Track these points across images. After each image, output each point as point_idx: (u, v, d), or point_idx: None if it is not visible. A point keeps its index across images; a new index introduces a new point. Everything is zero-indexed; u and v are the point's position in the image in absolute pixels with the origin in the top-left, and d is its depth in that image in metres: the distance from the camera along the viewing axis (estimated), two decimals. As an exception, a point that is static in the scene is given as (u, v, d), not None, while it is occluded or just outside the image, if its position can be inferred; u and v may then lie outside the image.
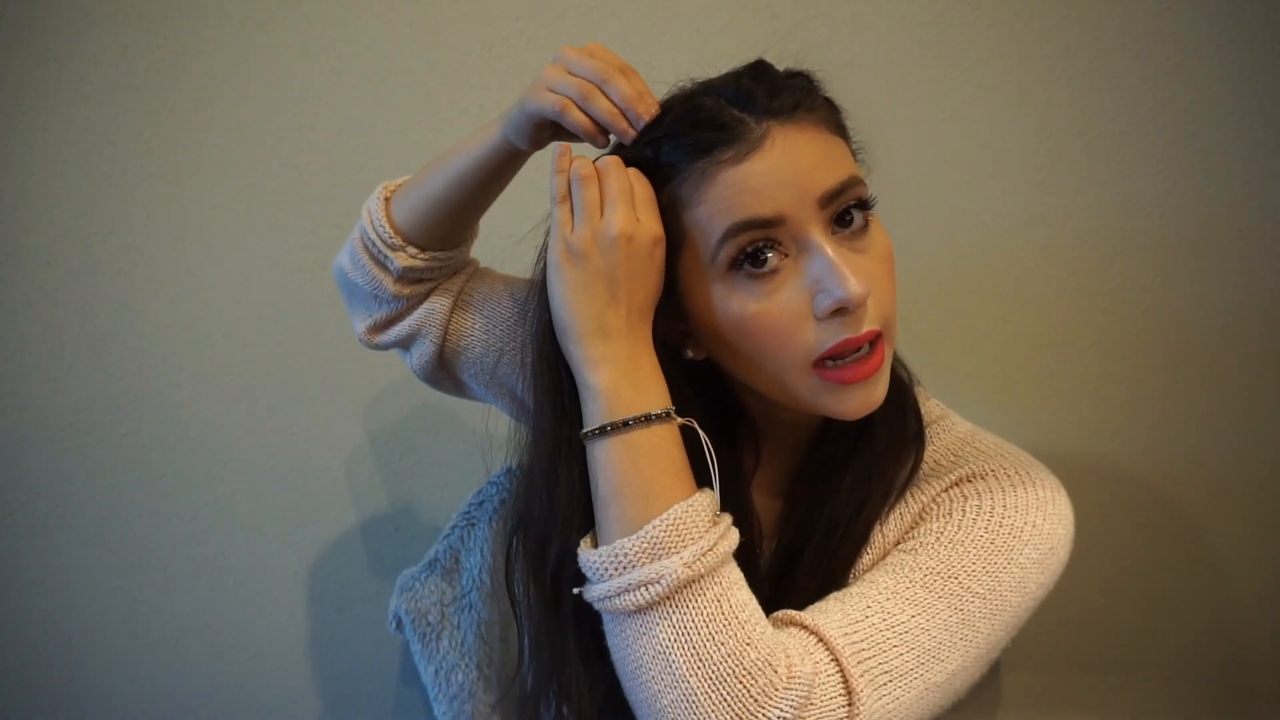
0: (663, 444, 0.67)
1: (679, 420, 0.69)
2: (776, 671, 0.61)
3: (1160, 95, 1.14)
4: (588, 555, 0.67)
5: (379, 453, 1.27)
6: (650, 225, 0.68)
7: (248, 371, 1.24)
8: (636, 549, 0.64)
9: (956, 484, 0.75)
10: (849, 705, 0.62)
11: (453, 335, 0.88)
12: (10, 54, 1.14)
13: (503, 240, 0.85)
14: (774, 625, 0.66)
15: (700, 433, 0.69)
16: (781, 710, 0.60)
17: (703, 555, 0.63)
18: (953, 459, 0.77)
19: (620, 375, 0.68)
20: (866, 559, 0.75)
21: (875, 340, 0.68)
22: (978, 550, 0.69)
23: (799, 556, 0.77)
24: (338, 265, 0.88)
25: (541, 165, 0.74)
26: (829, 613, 0.66)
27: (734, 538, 0.67)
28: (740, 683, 0.61)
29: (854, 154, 0.73)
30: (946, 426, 0.80)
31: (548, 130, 0.73)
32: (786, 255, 0.68)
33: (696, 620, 0.63)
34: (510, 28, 1.17)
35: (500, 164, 0.78)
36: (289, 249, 1.21)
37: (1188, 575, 1.25)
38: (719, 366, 0.76)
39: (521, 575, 0.78)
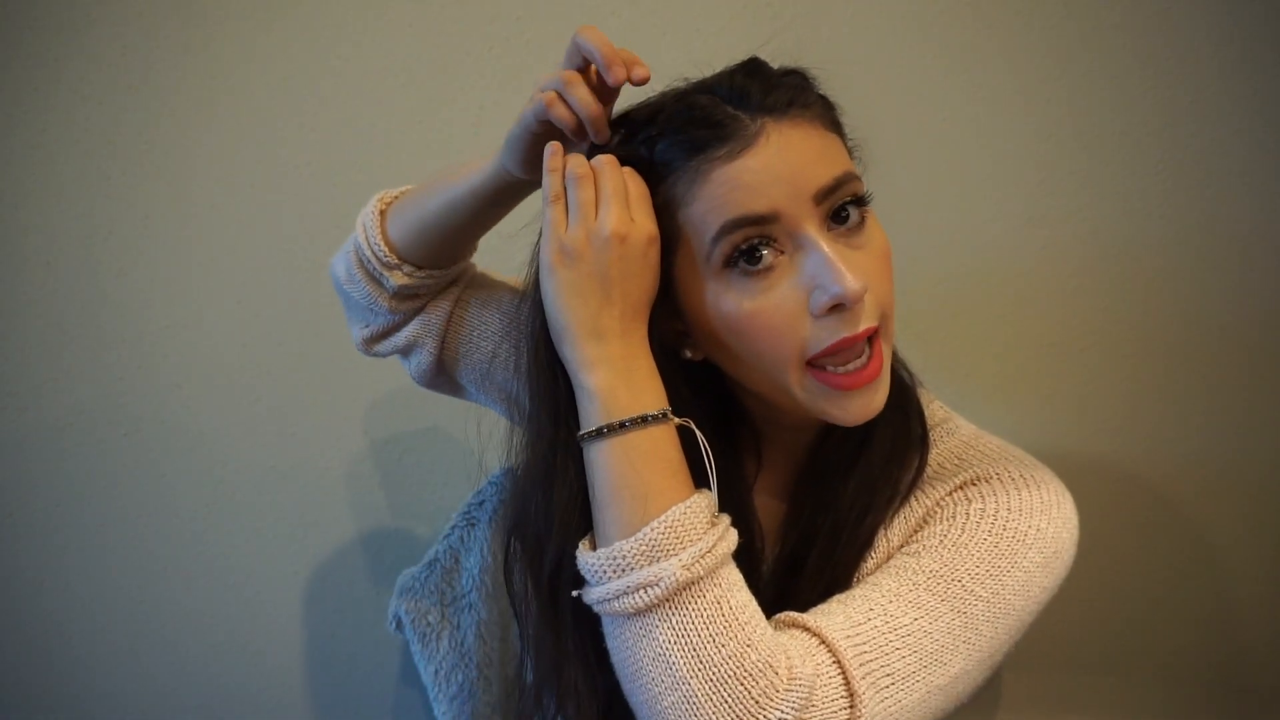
0: (660, 445, 0.67)
1: (676, 421, 0.69)
2: (777, 673, 0.61)
3: (1160, 95, 1.14)
4: (586, 558, 0.66)
5: (379, 453, 1.27)
6: (645, 224, 0.68)
7: (248, 371, 1.23)
8: (635, 551, 0.64)
9: (960, 487, 0.75)
10: (850, 707, 0.62)
11: (450, 344, 0.88)
12: (10, 54, 1.14)
13: (495, 236, 0.85)
14: (776, 627, 0.66)
15: (697, 433, 0.69)
16: (782, 712, 0.60)
17: (701, 557, 0.63)
18: (957, 462, 0.77)
19: (616, 376, 0.67)
20: (871, 563, 0.75)
21: (873, 338, 0.68)
22: (981, 553, 0.69)
23: (803, 560, 0.76)
24: (334, 273, 0.87)
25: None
26: (831, 615, 0.66)
27: (733, 539, 0.67)
28: (741, 684, 0.61)
29: (850, 151, 0.73)
30: (950, 430, 0.80)
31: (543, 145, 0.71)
32: (782, 253, 0.67)
33: (696, 622, 0.62)
34: (510, 28, 1.17)
35: (497, 192, 0.77)
36: (289, 249, 1.21)
37: (1188, 575, 1.25)
38: (718, 367, 0.75)
39: (519, 578, 0.78)
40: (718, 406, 0.78)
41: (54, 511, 1.24)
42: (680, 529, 0.64)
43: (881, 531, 0.75)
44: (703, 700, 0.61)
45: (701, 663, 0.62)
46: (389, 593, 1.01)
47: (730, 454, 0.77)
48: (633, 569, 0.63)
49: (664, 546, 0.63)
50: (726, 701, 0.61)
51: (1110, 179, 1.16)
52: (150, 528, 1.26)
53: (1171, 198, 1.16)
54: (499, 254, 0.89)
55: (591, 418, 0.67)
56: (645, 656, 0.63)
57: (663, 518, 0.64)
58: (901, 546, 0.74)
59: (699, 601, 0.63)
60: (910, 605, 0.67)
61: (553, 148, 0.69)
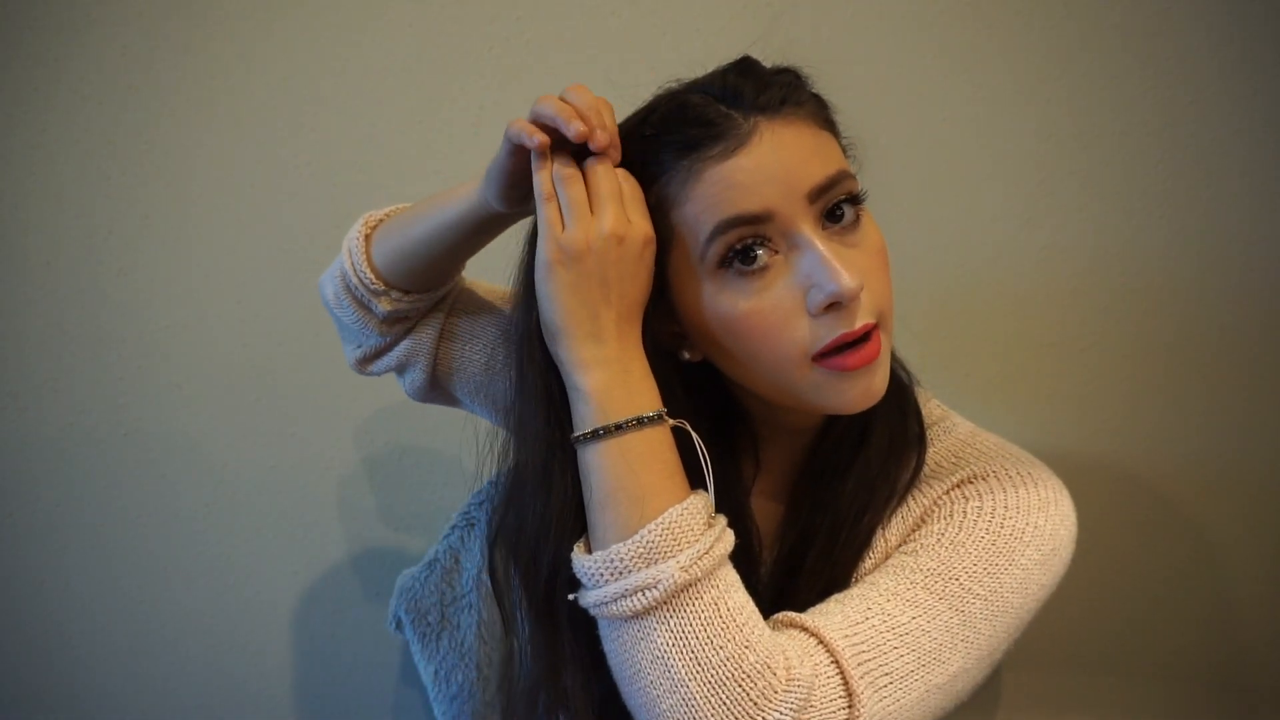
0: (656, 447, 0.66)
1: (671, 422, 0.68)
2: (775, 674, 0.61)
3: (1160, 95, 1.14)
4: (582, 561, 0.66)
5: (379, 453, 1.27)
6: (641, 225, 0.67)
7: (248, 371, 1.24)
8: (632, 554, 0.63)
9: (958, 486, 0.74)
10: (849, 707, 0.62)
11: (442, 361, 0.88)
12: (10, 54, 1.14)
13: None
14: (774, 627, 0.66)
15: (693, 434, 0.68)
16: (781, 713, 0.60)
17: (699, 559, 0.63)
18: (954, 460, 0.77)
19: (611, 378, 0.67)
20: (869, 562, 0.75)
21: (871, 333, 0.68)
22: (979, 551, 0.69)
23: (801, 560, 0.76)
24: (322, 293, 0.87)
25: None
26: (829, 614, 0.66)
27: (729, 540, 0.66)
28: (739, 686, 0.61)
29: (844, 149, 0.72)
30: (947, 428, 0.80)
31: (520, 179, 0.70)
32: (777, 252, 0.67)
33: (694, 624, 0.62)
34: (510, 28, 1.17)
35: (479, 224, 0.76)
36: (289, 249, 1.21)
37: (1188, 575, 1.25)
38: (716, 368, 0.75)
39: (514, 581, 0.78)
40: (715, 408, 0.78)
41: (54, 511, 1.25)
42: (677, 531, 0.64)
43: (879, 531, 0.75)
44: (701, 702, 0.61)
45: (700, 665, 0.61)
46: (389, 593, 1.01)
47: (728, 456, 0.77)
48: (630, 571, 0.63)
49: (661, 549, 0.63)
50: (725, 703, 0.61)
51: (1110, 179, 1.16)
52: (150, 528, 1.26)
53: (1171, 198, 1.16)
54: (488, 253, 0.88)
55: (587, 419, 0.67)
56: (643, 659, 0.63)
57: (659, 520, 0.64)
58: (900, 545, 0.74)
59: (697, 603, 0.63)
60: (908, 604, 0.66)
61: (540, 149, 0.68)
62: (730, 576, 0.65)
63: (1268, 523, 1.22)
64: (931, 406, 0.82)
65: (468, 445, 1.26)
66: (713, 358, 0.74)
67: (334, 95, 1.18)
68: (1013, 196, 1.18)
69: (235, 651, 1.30)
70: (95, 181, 1.18)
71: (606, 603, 0.64)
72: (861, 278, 0.66)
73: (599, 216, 0.66)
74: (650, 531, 0.63)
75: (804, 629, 0.65)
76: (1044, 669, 1.25)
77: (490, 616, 0.99)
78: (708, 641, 0.62)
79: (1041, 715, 1.26)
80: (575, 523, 0.70)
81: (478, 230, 0.77)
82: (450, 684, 0.99)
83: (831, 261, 0.65)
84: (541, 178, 0.68)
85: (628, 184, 0.68)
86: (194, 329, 1.22)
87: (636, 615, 0.63)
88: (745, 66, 0.71)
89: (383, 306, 0.82)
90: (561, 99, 0.67)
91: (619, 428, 0.66)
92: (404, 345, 0.86)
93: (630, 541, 0.64)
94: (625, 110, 0.73)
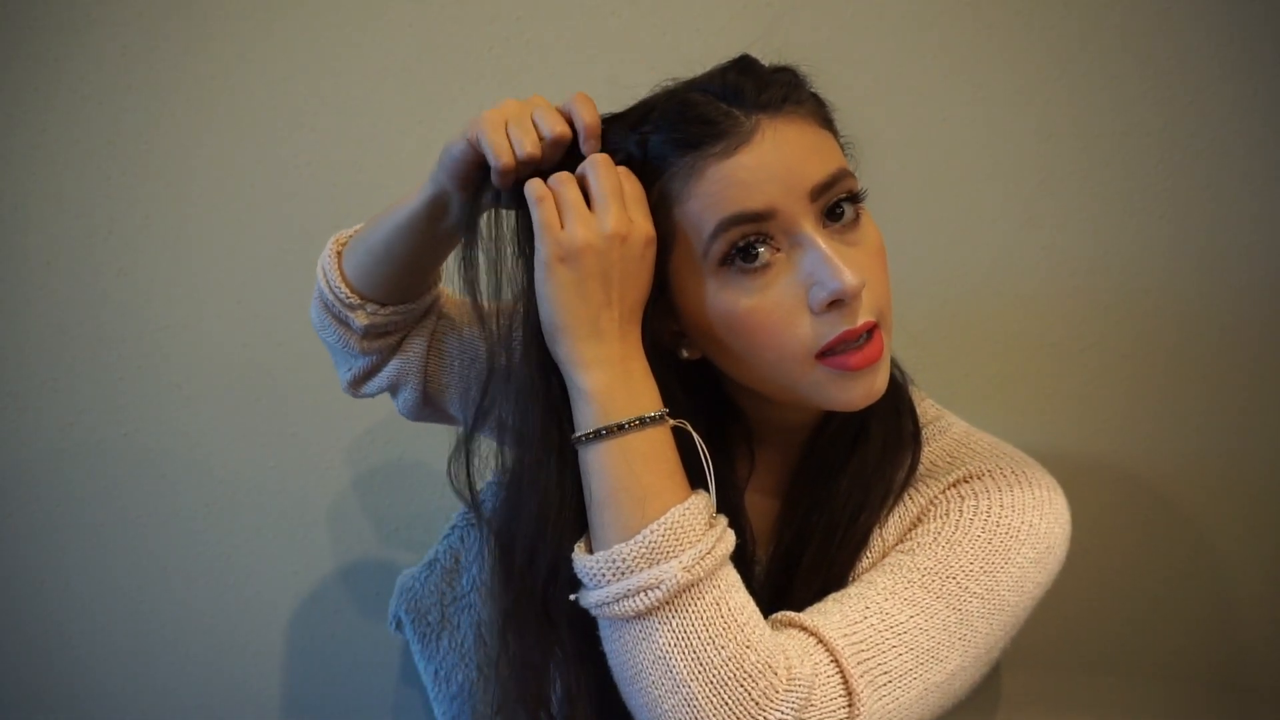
0: (657, 447, 0.66)
1: (673, 422, 0.68)
2: (776, 674, 0.61)
3: (1160, 95, 1.14)
4: (583, 561, 0.66)
5: (379, 452, 1.27)
6: (643, 225, 0.67)
7: (248, 371, 1.24)
8: (634, 554, 0.63)
9: (954, 485, 0.75)
10: (849, 706, 0.62)
11: (433, 377, 0.88)
12: (10, 54, 1.14)
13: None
14: (773, 627, 0.66)
15: (694, 434, 0.68)
16: (782, 713, 0.60)
17: (701, 559, 0.63)
18: (949, 460, 0.77)
19: (613, 378, 0.67)
20: (866, 561, 0.75)
21: (872, 331, 0.68)
22: (975, 550, 0.69)
23: (798, 559, 0.76)
24: (311, 320, 0.87)
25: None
26: (828, 614, 0.66)
27: (731, 540, 0.67)
28: (741, 686, 0.61)
29: (842, 148, 0.72)
30: (942, 427, 0.80)
31: (474, 164, 0.70)
32: (778, 250, 0.67)
33: (696, 624, 0.62)
34: (510, 28, 1.17)
35: (433, 212, 0.75)
36: (289, 249, 1.21)
37: (1187, 575, 1.25)
38: (714, 367, 0.75)
39: (510, 582, 0.77)
40: (711, 406, 0.78)
41: (54, 511, 1.25)
42: (679, 531, 0.64)
43: (876, 530, 0.75)
44: (703, 702, 0.61)
45: (701, 665, 0.62)
46: (389, 593, 1.01)
47: (723, 454, 0.77)
48: (632, 572, 0.63)
49: (663, 549, 0.63)
50: (727, 703, 0.61)
51: (1110, 179, 1.16)
52: (150, 528, 1.26)
53: (1171, 198, 1.16)
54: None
55: (588, 419, 0.67)
56: (645, 660, 0.63)
57: (662, 520, 0.64)
58: (896, 544, 0.74)
59: (698, 603, 0.63)
60: (906, 603, 0.67)
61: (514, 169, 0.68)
62: (731, 577, 0.65)
63: (1268, 523, 1.22)
64: (926, 406, 0.82)
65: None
66: (712, 356, 0.74)
67: (334, 95, 1.18)
68: (1013, 197, 1.18)
69: (235, 651, 1.30)
70: (95, 181, 1.18)
71: (608, 603, 0.64)
72: (863, 276, 0.66)
73: (601, 215, 0.66)
74: (652, 531, 0.63)
75: (803, 628, 0.65)
76: (1044, 669, 1.25)
77: (490, 617, 0.99)
78: (710, 642, 0.62)
79: (1041, 715, 1.26)
80: (575, 523, 0.70)
81: (432, 217, 0.75)
82: (450, 684, 0.99)
83: (834, 259, 0.65)
84: (533, 180, 0.68)
85: (629, 183, 0.68)
86: (194, 329, 1.22)
87: (639, 615, 0.63)
88: (745, 65, 0.71)
89: (360, 320, 0.82)
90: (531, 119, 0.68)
91: (621, 428, 0.66)
92: (393, 365, 0.86)
93: (632, 541, 0.64)
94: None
